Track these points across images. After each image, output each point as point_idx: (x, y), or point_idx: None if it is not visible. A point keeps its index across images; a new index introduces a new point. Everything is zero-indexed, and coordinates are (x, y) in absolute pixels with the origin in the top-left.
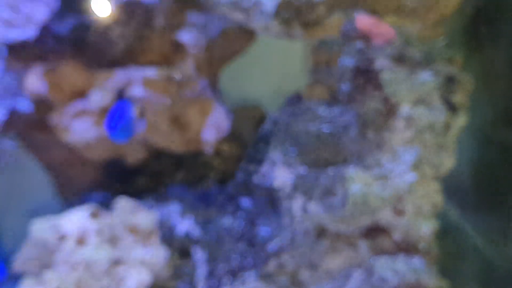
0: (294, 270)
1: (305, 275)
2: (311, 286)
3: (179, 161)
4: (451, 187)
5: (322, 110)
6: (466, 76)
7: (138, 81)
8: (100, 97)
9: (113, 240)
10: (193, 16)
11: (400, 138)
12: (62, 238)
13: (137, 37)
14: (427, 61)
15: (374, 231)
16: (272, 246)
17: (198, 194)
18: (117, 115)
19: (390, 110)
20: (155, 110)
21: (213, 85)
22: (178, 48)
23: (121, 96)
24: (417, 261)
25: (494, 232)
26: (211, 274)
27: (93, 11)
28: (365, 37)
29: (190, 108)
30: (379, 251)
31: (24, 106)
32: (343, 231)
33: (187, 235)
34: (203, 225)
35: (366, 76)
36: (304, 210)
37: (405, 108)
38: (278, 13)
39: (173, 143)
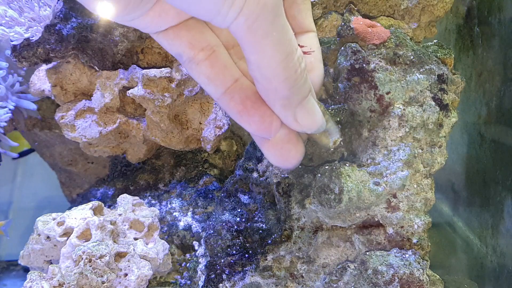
0: (291, 264)
1: (302, 269)
2: (308, 279)
3: (179, 158)
4: (443, 183)
5: None
6: (458, 75)
7: (139, 80)
8: (102, 96)
9: (115, 236)
10: None
11: (394, 136)
12: (65, 233)
13: (138, 37)
14: (420, 61)
15: (369, 226)
16: (270, 241)
17: (198, 191)
18: None
19: (384, 108)
20: (155, 108)
21: None
22: None
23: None
24: (410, 255)
25: (485, 227)
26: (210, 268)
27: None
28: (361, 37)
29: (190, 106)
30: (374, 246)
31: (28, 106)
32: (339, 226)
33: (187, 231)
34: (203, 221)
35: (361, 75)
36: (302, 206)
37: (399, 107)
38: None
39: (173, 140)
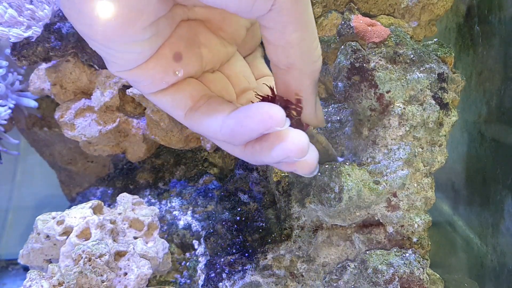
0: (291, 263)
1: (302, 268)
2: (308, 278)
3: (179, 157)
4: (444, 182)
5: None
6: (458, 74)
7: None
8: (102, 94)
9: (115, 235)
10: None
11: (394, 135)
12: (65, 232)
13: None
14: (420, 60)
15: (369, 225)
16: (270, 240)
17: (197, 190)
18: None
19: (384, 107)
20: (155, 107)
21: None
22: None
23: None
24: (410, 255)
25: (485, 226)
26: (210, 267)
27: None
28: (361, 36)
29: None
30: (374, 245)
31: (28, 103)
32: (339, 225)
33: (187, 230)
34: (203, 219)
35: (361, 74)
36: (301, 205)
37: (399, 106)
38: None
39: (173, 139)
